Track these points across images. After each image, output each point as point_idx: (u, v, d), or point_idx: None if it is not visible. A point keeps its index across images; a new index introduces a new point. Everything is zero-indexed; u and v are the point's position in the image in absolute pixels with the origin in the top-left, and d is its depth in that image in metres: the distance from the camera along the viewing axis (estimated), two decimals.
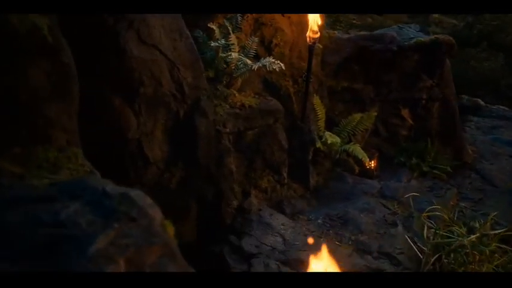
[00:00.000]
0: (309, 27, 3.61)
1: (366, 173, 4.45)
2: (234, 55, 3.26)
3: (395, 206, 3.95)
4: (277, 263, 3.22)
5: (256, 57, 3.72)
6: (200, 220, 3.58)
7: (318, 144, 4.13)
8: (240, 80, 3.74)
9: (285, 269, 3.17)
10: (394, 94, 4.52)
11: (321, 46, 4.16)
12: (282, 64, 3.40)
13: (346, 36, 4.43)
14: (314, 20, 3.59)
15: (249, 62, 3.36)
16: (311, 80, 3.91)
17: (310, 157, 4.23)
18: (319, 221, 3.81)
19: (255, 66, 3.41)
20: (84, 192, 1.31)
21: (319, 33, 3.65)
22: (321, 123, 4.39)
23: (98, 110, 2.86)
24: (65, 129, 1.69)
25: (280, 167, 3.94)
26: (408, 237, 3.52)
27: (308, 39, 3.65)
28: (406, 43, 4.33)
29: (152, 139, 3.19)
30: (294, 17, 3.87)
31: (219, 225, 3.59)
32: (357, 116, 4.52)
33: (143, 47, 2.86)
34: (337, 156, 4.44)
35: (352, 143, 4.42)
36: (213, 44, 3.24)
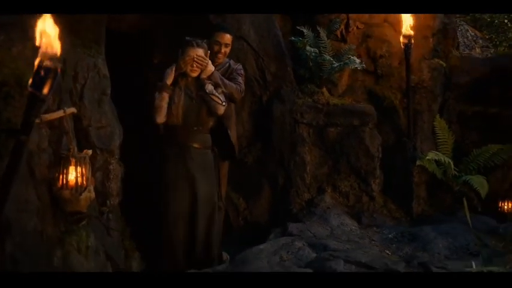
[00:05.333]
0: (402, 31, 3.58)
1: (495, 213, 3.56)
2: (309, 49, 3.61)
3: (494, 242, 3.04)
4: (304, 243, 3.11)
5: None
6: (271, 203, 3.83)
7: (420, 162, 3.69)
8: (341, 86, 3.99)
9: (306, 250, 3.02)
10: None
11: (442, 63, 3.88)
12: (357, 60, 3.50)
13: (482, 56, 3.91)
14: (405, 24, 3.56)
15: (328, 58, 3.63)
16: (412, 86, 3.71)
17: (414, 178, 3.81)
18: (390, 235, 3.38)
19: (337, 64, 3.64)
20: None
21: (410, 34, 3.54)
22: (444, 149, 3.89)
23: None
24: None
25: (367, 176, 3.75)
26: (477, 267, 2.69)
27: (401, 43, 3.60)
28: None
29: (238, 117, 3.83)
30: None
31: (286, 213, 3.72)
32: (494, 147, 3.76)
33: None
34: (457, 188, 3.77)
35: (477, 175, 3.68)
36: (294, 39, 3.73)
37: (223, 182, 3.51)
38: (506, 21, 6.31)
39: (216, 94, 3.01)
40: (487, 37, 5.97)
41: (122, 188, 2.95)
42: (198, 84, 3.04)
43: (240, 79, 3.28)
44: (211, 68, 3.02)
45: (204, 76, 3.02)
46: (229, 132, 3.28)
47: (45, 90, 1.63)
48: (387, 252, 3.08)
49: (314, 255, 2.95)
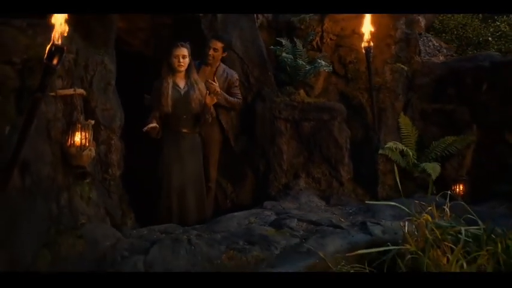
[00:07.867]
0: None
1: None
2: (285, 55, 4.29)
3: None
4: (272, 213, 3.68)
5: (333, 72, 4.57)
6: (254, 187, 4.43)
7: (381, 151, 4.23)
8: (317, 88, 4.62)
9: (272, 216, 3.58)
10: (493, 116, 4.03)
11: (403, 67, 4.46)
12: (323, 63, 4.16)
13: (441, 61, 4.46)
14: (366, 31, 4.19)
15: (301, 62, 4.29)
16: (375, 86, 4.29)
17: (379, 167, 4.33)
18: (350, 210, 3.88)
19: (309, 68, 4.30)
20: None
21: (369, 41, 4.16)
22: (408, 142, 4.40)
23: None
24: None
25: (337, 164, 4.31)
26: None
27: (362, 49, 4.23)
28: (503, 59, 3.97)
29: (228, 115, 4.49)
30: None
31: (266, 195, 4.31)
32: (449, 138, 4.26)
33: None
34: (417, 174, 4.26)
35: (433, 162, 4.16)
36: (273, 47, 4.43)
37: (214, 166, 4.20)
38: (490, 38, 6.83)
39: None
40: (470, 52, 6.50)
41: (123, 162, 3.67)
42: (188, 82, 3.77)
43: (238, 91, 4.17)
44: (219, 91, 3.84)
45: (213, 100, 3.74)
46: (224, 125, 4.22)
47: (55, 62, 2.37)
48: (341, 219, 3.60)
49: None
